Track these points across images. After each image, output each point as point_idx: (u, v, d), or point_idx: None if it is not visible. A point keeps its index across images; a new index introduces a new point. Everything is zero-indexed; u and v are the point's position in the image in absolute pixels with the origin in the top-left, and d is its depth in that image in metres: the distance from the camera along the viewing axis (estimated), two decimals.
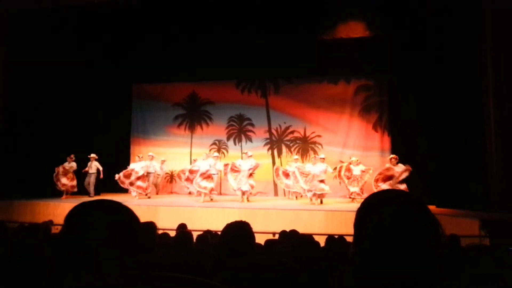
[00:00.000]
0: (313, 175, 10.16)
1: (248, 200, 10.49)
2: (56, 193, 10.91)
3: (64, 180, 11.13)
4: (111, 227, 1.02)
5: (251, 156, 10.91)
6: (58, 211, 9.59)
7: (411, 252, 0.93)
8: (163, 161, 12.51)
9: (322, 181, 10.16)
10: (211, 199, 10.86)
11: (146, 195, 11.39)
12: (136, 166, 11.49)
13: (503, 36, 8.03)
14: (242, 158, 11.17)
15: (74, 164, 11.42)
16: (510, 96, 7.91)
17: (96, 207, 1.07)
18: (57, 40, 11.07)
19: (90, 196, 11.38)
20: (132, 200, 10.58)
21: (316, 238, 4.96)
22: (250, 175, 10.56)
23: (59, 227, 5.50)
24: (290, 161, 11.71)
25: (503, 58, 7.99)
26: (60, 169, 11.15)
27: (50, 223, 6.11)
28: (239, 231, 1.92)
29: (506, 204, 7.74)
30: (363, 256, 0.98)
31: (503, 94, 7.99)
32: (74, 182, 11.32)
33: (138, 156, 11.94)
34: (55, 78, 11.25)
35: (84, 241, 1.00)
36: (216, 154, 11.94)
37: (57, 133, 11.31)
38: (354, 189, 10.60)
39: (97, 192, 11.72)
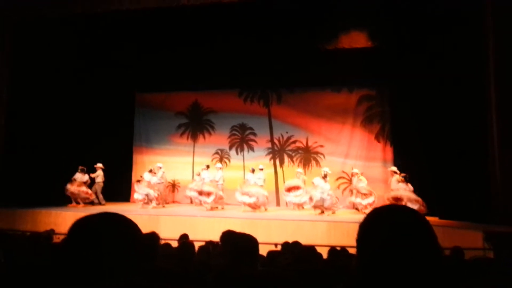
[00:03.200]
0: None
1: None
2: (58, 202, 10.89)
3: (85, 190, 11.25)
4: (114, 239, 1.02)
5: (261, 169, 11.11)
6: (59, 219, 9.58)
7: (413, 267, 0.93)
8: (159, 168, 12.35)
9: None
10: (222, 208, 11.08)
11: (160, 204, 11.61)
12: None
13: (505, 45, 8.03)
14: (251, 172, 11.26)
15: (87, 176, 11.49)
16: None
17: (99, 220, 1.07)
18: (61, 49, 11.16)
19: (102, 205, 11.45)
20: (134, 210, 10.57)
21: (319, 249, 4.95)
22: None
23: (61, 236, 5.48)
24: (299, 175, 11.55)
25: (506, 67, 7.99)
26: (75, 181, 11.23)
27: (51, 232, 6.10)
28: (240, 243, 1.92)
29: (509, 216, 7.69)
30: (366, 271, 0.98)
31: (506, 105, 7.98)
32: (89, 192, 11.41)
33: (152, 169, 11.96)
34: (58, 87, 11.32)
35: (87, 253, 1.00)
36: (219, 165, 11.95)
37: (59, 141, 11.33)
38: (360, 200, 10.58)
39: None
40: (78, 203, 11.27)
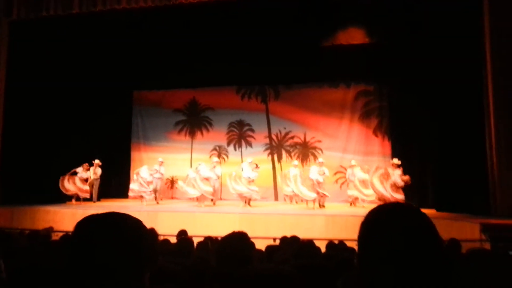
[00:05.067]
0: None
1: (250, 205, 10.55)
2: (56, 199, 10.87)
3: (84, 186, 11.26)
4: (119, 241, 1.00)
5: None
6: (57, 217, 9.57)
7: (417, 267, 0.92)
8: (161, 163, 12.30)
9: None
10: (214, 203, 11.05)
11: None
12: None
13: (502, 41, 8.02)
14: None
15: (89, 173, 11.47)
16: (509, 101, 7.91)
17: (104, 220, 1.05)
18: (58, 48, 11.12)
19: (93, 202, 11.42)
20: (132, 206, 10.56)
21: (317, 243, 4.95)
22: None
23: (60, 234, 5.46)
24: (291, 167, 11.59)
25: (503, 61, 7.99)
26: (77, 176, 11.23)
27: (50, 229, 6.09)
28: (237, 242, 1.91)
29: (506, 209, 7.72)
30: (368, 270, 0.97)
31: (503, 98, 7.98)
32: (87, 188, 11.40)
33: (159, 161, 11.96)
34: (56, 85, 11.26)
35: (91, 255, 0.99)
36: (215, 159, 11.91)
37: (57, 139, 11.29)
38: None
39: (97, 198, 11.76)
40: (78, 199, 11.24)
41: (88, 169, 11.47)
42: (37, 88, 10.89)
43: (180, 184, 11.45)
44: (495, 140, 8.08)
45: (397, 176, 9.65)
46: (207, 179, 10.92)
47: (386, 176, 9.83)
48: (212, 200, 11.11)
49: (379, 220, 0.99)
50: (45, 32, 10.80)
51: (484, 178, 8.29)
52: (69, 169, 11.33)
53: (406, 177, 9.57)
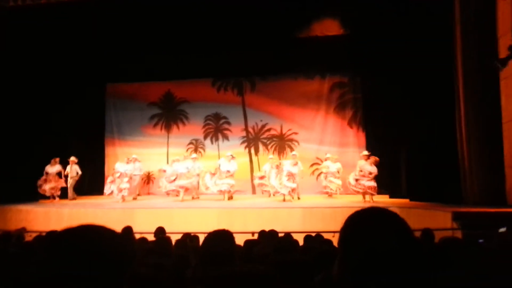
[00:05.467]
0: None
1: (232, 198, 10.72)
2: (28, 198, 10.58)
3: (52, 184, 10.94)
4: (93, 259, 0.98)
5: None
6: (30, 216, 9.34)
7: (395, 268, 0.96)
8: (135, 159, 12.07)
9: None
10: (193, 198, 11.10)
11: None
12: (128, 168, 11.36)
13: (472, 28, 8.22)
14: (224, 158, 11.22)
15: (59, 167, 11.16)
16: (479, 92, 8.15)
17: (76, 235, 1.02)
18: (27, 38, 10.73)
19: (69, 199, 11.19)
20: (108, 204, 10.42)
21: (295, 235, 5.02)
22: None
23: (33, 234, 5.33)
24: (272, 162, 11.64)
25: (472, 54, 8.21)
26: (47, 175, 10.96)
27: (23, 230, 5.94)
28: (219, 240, 1.92)
29: (477, 197, 8.00)
30: (349, 274, 1.00)
31: (473, 89, 8.22)
32: (59, 185, 11.11)
33: (128, 158, 11.71)
34: (25, 78, 10.91)
35: (65, 271, 0.97)
36: (194, 155, 11.82)
37: (27, 135, 10.96)
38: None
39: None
40: (54, 198, 11.00)
41: (57, 163, 11.17)
42: (3, 80, 10.51)
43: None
44: (465, 130, 8.34)
45: (366, 166, 9.90)
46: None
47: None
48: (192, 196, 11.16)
49: (358, 225, 1.03)
50: (12, 21, 10.40)
51: (456, 167, 8.57)
52: (40, 166, 11.04)
53: (374, 158, 9.86)
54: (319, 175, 12.11)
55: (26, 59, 10.89)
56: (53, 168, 11.11)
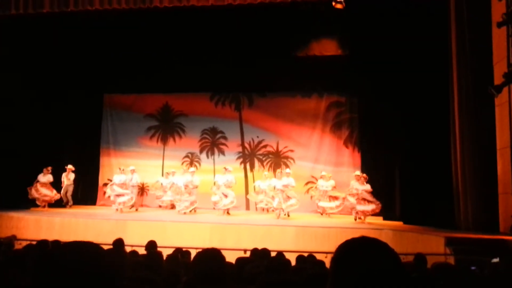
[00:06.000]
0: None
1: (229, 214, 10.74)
2: (20, 205, 10.49)
3: (45, 191, 10.88)
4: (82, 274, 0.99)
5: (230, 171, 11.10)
6: (21, 224, 9.25)
7: None
8: (133, 171, 12.09)
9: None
10: (194, 211, 11.04)
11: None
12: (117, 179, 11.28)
13: (468, 54, 8.35)
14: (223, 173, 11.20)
15: (50, 177, 11.11)
16: (474, 117, 8.24)
17: (66, 253, 1.03)
18: (26, 49, 10.81)
19: (70, 206, 11.14)
20: (101, 214, 10.35)
21: (287, 255, 5.00)
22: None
23: (23, 242, 5.27)
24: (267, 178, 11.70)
25: (468, 79, 8.32)
26: (38, 183, 10.90)
27: (13, 238, 5.87)
28: (210, 260, 1.91)
29: (470, 223, 8.01)
30: None
31: (468, 115, 8.30)
32: (53, 193, 11.05)
33: (120, 169, 11.68)
34: (22, 88, 10.93)
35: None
36: (192, 169, 11.81)
37: (23, 143, 10.91)
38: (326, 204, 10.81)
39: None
40: (44, 207, 10.93)
41: (49, 172, 11.12)
42: (1, 88, 10.52)
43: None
44: (460, 155, 8.39)
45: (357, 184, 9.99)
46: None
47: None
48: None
49: (348, 255, 1.05)
50: (12, 31, 10.47)
51: (450, 191, 8.60)
52: (34, 173, 10.98)
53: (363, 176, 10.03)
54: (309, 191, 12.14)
55: (24, 67, 10.94)
56: (44, 178, 11.04)
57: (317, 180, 11.80)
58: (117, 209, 10.79)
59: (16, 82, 10.78)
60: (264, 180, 11.55)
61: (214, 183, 10.97)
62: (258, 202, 11.60)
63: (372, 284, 0.97)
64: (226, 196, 10.65)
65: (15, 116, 10.86)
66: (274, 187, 10.45)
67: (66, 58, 11.73)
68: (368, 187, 9.92)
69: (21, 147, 10.83)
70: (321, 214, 11.10)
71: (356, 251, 1.05)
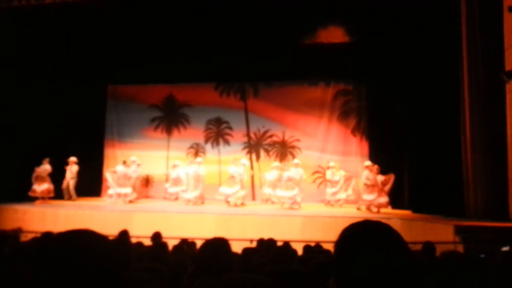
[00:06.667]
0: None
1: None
2: (25, 198, 10.59)
3: (39, 185, 10.86)
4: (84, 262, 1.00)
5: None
6: (26, 216, 9.36)
7: (390, 282, 0.97)
8: (133, 162, 12.04)
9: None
10: (202, 202, 11.08)
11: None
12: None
13: (479, 39, 8.25)
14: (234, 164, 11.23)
15: (48, 167, 11.12)
16: (485, 104, 8.16)
17: (68, 242, 1.04)
18: (29, 39, 10.82)
19: (73, 200, 11.23)
20: (106, 206, 10.43)
21: (294, 244, 5.02)
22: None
23: (29, 235, 5.35)
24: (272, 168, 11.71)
25: (478, 65, 8.23)
26: (34, 173, 10.91)
27: (19, 230, 5.95)
28: (216, 248, 1.93)
29: (480, 211, 7.99)
30: (345, 285, 1.01)
31: (479, 102, 8.23)
32: (51, 187, 11.05)
33: (124, 162, 11.75)
34: (25, 78, 10.97)
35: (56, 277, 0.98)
36: (199, 159, 11.86)
37: (26, 135, 10.99)
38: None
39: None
40: (44, 199, 10.99)
41: (47, 163, 11.14)
42: (6, 83, 10.57)
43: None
44: (470, 142, 8.34)
45: (364, 177, 9.95)
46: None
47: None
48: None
49: (352, 238, 1.05)
50: (14, 22, 10.49)
51: (459, 179, 8.56)
52: (38, 165, 11.05)
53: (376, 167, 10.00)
54: (320, 183, 12.17)
55: (28, 58, 10.97)
56: (41, 169, 11.02)
57: (324, 170, 11.81)
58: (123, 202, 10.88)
59: (20, 73, 10.82)
60: (271, 170, 11.53)
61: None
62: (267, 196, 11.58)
63: (376, 267, 0.97)
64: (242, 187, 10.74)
65: (18, 108, 10.92)
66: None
67: (69, 50, 11.73)
68: (382, 178, 9.90)
69: (25, 140, 10.91)
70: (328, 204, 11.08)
71: (359, 234, 1.05)
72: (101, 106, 13.81)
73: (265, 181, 11.62)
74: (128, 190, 11.14)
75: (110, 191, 11.35)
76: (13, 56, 10.57)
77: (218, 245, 1.94)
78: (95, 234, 1.09)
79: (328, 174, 11.28)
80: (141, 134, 13.78)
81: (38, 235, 5.10)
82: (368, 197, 9.86)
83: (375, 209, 9.81)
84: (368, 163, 10.40)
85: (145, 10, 10.49)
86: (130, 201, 11.30)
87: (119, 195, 11.10)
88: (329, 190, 11.13)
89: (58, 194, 11.37)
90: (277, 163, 11.86)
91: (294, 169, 10.69)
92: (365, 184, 9.99)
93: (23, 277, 2.13)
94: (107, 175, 11.61)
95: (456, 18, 8.59)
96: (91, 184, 12.90)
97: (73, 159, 11.51)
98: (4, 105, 10.64)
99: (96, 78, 13.08)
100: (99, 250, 1.05)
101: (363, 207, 10.06)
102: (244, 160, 11.64)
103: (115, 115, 13.92)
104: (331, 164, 11.34)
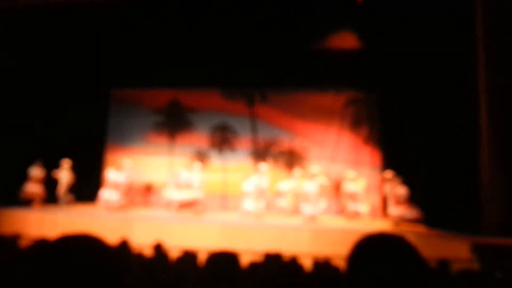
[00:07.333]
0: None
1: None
2: (23, 201, 10.65)
3: (31, 188, 10.90)
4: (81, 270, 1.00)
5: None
6: (25, 221, 9.41)
7: None
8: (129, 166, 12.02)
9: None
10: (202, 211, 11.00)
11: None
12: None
13: (496, 48, 8.22)
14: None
15: (39, 171, 11.14)
16: (504, 113, 8.11)
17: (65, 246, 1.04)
18: (34, 39, 10.96)
19: (67, 204, 11.25)
20: (106, 213, 10.44)
21: (302, 258, 5.00)
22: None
23: (27, 240, 5.35)
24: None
25: (496, 71, 8.19)
26: (29, 176, 10.97)
27: (17, 235, 5.98)
28: (224, 261, 1.92)
29: (497, 228, 7.90)
30: None
31: (497, 111, 8.17)
32: (41, 189, 11.07)
33: (123, 166, 11.79)
34: (25, 81, 11.09)
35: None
36: (198, 164, 11.86)
37: (27, 140, 11.08)
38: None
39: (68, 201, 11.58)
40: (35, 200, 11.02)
41: (39, 166, 11.18)
42: (5, 85, 10.70)
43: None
44: (488, 154, 8.26)
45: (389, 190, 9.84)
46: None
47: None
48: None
49: (366, 252, 1.04)
50: (15, 22, 10.63)
51: (476, 193, 8.47)
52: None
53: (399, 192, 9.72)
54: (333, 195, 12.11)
55: (30, 60, 11.09)
56: (34, 173, 11.05)
57: (334, 179, 11.75)
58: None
59: (22, 75, 10.94)
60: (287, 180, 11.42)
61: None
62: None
63: (390, 281, 0.97)
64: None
65: (20, 112, 11.03)
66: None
67: (72, 53, 11.85)
68: (404, 190, 9.70)
69: (25, 144, 11.00)
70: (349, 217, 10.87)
71: (373, 248, 1.04)
72: (103, 110, 13.89)
73: (280, 191, 11.48)
74: (114, 196, 11.04)
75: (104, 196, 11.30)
76: (13, 57, 10.68)
77: (225, 259, 1.94)
78: (93, 240, 1.10)
79: (349, 186, 11.09)
80: (144, 139, 13.82)
81: (36, 240, 5.12)
82: (396, 210, 9.68)
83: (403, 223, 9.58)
84: (390, 174, 10.26)
85: (150, 14, 10.58)
86: (119, 208, 11.20)
87: (107, 201, 11.04)
88: (351, 203, 10.92)
89: (55, 199, 11.41)
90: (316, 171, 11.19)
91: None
92: (392, 198, 9.82)
93: (20, 283, 2.14)
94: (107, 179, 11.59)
95: (472, 22, 8.56)
96: (92, 190, 12.93)
97: (65, 161, 11.52)
98: (4, 108, 10.75)
99: (99, 83, 13.17)
100: (97, 255, 1.05)
101: (390, 222, 9.80)
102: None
103: (118, 119, 13.98)
104: (350, 175, 11.21)
